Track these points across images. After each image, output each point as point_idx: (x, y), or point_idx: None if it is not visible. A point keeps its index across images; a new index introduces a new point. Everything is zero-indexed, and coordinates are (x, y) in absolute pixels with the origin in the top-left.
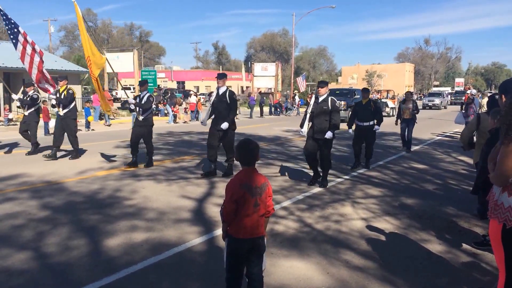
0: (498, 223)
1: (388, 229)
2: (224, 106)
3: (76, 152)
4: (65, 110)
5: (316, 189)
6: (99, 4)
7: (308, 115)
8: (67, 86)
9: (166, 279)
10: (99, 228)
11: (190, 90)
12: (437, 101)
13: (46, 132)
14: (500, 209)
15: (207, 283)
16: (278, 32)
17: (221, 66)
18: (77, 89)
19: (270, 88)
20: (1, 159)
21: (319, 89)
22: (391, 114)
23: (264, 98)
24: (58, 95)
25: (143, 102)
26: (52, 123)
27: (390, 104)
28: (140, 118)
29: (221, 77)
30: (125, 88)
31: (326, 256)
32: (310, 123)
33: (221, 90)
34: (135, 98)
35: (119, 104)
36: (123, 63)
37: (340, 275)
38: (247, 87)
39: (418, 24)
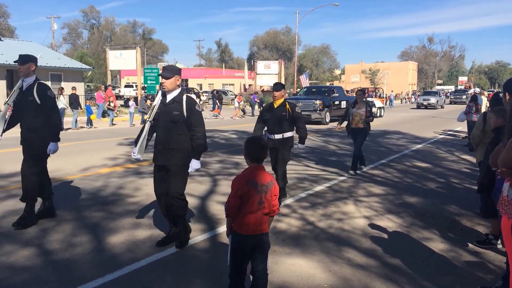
0: (507, 218)
1: (391, 228)
2: (33, 111)
3: None
4: None
5: (319, 187)
6: (102, 2)
7: (147, 127)
8: None
9: (169, 276)
10: (103, 225)
11: (193, 88)
12: (432, 100)
13: None
14: (510, 204)
15: (210, 280)
16: (281, 30)
17: (224, 64)
18: (80, 87)
19: None
20: (5, 156)
21: (164, 81)
22: (378, 115)
23: (262, 97)
24: None
25: None
26: None
27: (378, 103)
28: None
29: (23, 61)
30: (127, 86)
31: (329, 254)
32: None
33: (26, 83)
34: None
35: (121, 102)
36: (126, 60)
37: (343, 273)
38: (250, 85)
39: (422, 22)
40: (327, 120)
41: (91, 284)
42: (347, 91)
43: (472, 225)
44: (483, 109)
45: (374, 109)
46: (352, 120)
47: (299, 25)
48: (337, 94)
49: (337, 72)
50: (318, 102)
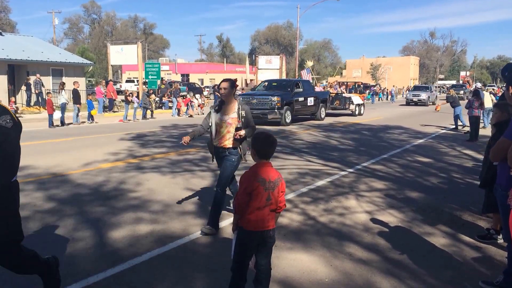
0: None
1: (392, 222)
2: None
3: None
4: None
5: (321, 182)
6: None
7: None
8: None
9: (171, 271)
10: (104, 220)
11: (195, 83)
12: (423, 96)
13: (50, 124)
14: None
15: (211, 274)
16: (282, 24)
17: (225, 59)
18: (81, 82)
19: None
20: None
21: None
22: (356, 113)
23: None
24: None
25: None
26: (56, 114)
27: (356, 99)
28: None
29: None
30: (128, 81)
31: (330, 249)
32: None
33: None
34: None
35: (122, 97)
36: (127, 55)
37: (344, 268)
38: (251, 80)
39: (424, 17)
40: (288, 120)
41: (92, 278)
42: (338, 85)
43: (473, 220)
44: (486, 105)
45: (352, 106)
46: (216, 134)
47: (301, 20)
48: (301, 89)
49: (309, 63)
50: (275, 98)
